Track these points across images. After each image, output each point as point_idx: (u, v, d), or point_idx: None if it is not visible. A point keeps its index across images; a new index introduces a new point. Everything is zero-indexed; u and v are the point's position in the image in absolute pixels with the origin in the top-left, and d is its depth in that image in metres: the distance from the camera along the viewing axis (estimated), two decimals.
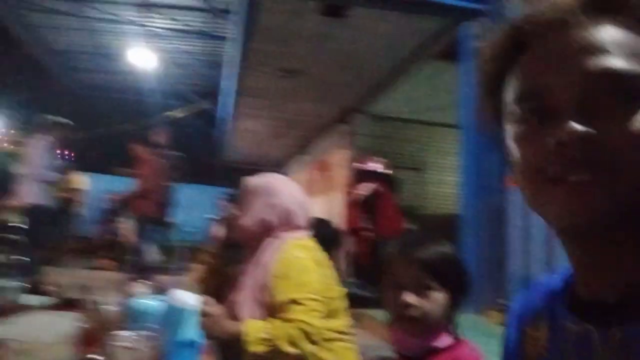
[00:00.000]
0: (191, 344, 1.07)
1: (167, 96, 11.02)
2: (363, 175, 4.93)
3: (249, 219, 1.66)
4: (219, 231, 1.91)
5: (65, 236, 8.09)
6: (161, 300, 1.01)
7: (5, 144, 8.39)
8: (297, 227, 1.69)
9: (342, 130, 7.53)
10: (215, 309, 1.40)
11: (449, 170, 7.29)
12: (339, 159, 7.66)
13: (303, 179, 10.47)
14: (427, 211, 7.22)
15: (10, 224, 4.64)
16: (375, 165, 4.94)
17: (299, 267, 1.54)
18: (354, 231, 4.81)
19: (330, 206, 7.89)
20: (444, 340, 1.19)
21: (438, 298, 1.18)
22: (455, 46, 4.44)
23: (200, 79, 10.91)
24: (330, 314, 1.60)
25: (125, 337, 0.79)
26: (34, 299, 1.50)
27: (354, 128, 7.22)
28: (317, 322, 1.45)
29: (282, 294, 1.50)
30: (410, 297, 1.17)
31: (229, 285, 1.79)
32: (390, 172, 5.06)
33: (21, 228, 4.49)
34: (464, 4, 4.19)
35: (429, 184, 7.46)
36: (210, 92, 10.71)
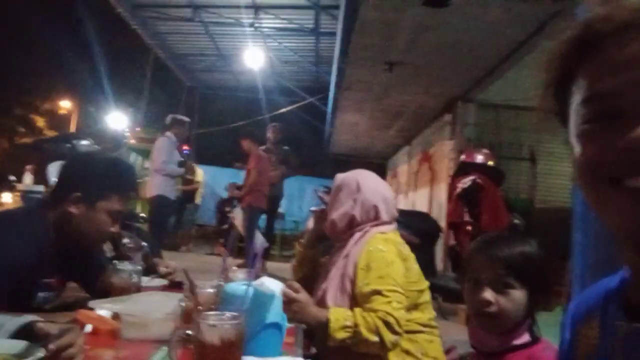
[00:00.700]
0: (276, 326, 1.17)
1: (278, 93, 11.50)
2: (466, 167, 4.79)
3: (335, 213, 1.75)
4: (312, 222, 2.01)
5: (185, 225, 8.82)
6: (250, 286, 1.11)
7: (133, 141, 9.29)
8: (382, 222, 1.73)
9: (447, 121, 7.33)
10: (301, 295, 1.49)
11: (562, 159, 6.80)
12: (443, 150, 7.49)
13: (407, 170, 10.39)
14: (537, 204, 6.82)
15: (135, 213, 5.20)
16: (478, 156, 4.77)
17: (382, 260, 1.59)
18: (454, 224, 4.71)
19: (434, 198, 7.76)
20: (521, 338, 1.18)
21: (517, 297, 1.17)
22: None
23: (307, 75, 11.24)
24: (414, 307, 1.63)
25: (212, 316, 0.90)
26: (149, 281, 1.70)
27: (459, 118, 7.01)
28: (397, 313, 1.49)
29: (366, 285, 1.56)
30: (489, 294, 1.17)
31: (318, 274, 1.89)
32: (493, 163, 4.85)
33: (144, 217, 5.03)
34: None
35: (541, 174, 7.01)
36: (317, 88, 11.01)
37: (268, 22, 8.86)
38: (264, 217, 6.41)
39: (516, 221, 4.81)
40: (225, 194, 9.48)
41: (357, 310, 1.53)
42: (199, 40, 9.84)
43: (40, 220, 1.44)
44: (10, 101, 17.33)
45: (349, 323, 1.47)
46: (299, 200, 10.85)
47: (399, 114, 8.28)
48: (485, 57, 5.47)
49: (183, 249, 8.10)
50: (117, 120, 10.78)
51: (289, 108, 11.22)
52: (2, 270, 1.28)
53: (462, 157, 5.02)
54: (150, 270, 1.77)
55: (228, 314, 0.91)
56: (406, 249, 1.71)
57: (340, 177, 1.83)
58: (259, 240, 6.03)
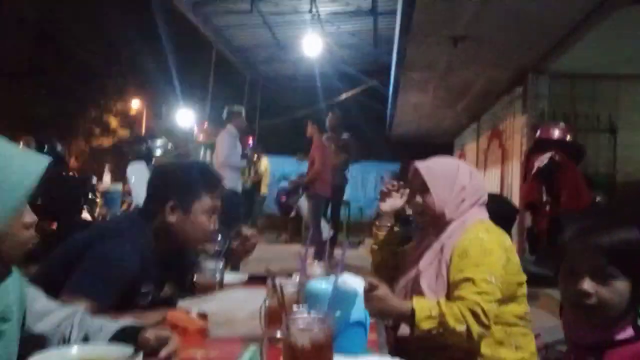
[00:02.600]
0: (360, 324, 1.15)
1: (337, 78, 11.42)
2: (542, 144, 4.53)
3: (436, 201, 1.67)
4: (386, 206, 1.97)
5: (254, 216, 9.02)
6: (333, 283, 1.10)
7: (201, 136, 9.56)
8: (481, 205, 1.69)
9: (518, 94, 6.99)
10: (382, 290, 1.45)
11: None
12: (514, 126, 7.16)
13: (475, 149, 10.04)
14: (619, 178, 6.37)
15: None
16: (555, 132, 4.49)
17: (481, 248, 1.53)
18: (531, 205, 4.48)
19: (506, 177, 7.45)
20: (625, 333, 1.09)
21: (620, 287, 1.08)
22: None
23: (366, 58, 11.07)
24: (510, 299, 1.57)
25: (301, 319, 0.89)
26: (231, 277, 1.74)
27: (531, 90, 6.65)
28: (487, 305, 1.43)
29: (459, 272, 1.52)
30: (588, 285, 1.09)
31: (399, 261, 1.85)
32: (571, 138, 4.55)
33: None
34: None
35: (622, 147, 6.53)
36: (377, 70, 10.82)
37: (325, 6, 8.79)
38: (331, 205, 6.42)
39: (598, 199, 4.52)
40: (290, 184, 9.63)
41: (442, 300, 1.49)
42: (257, 31, 9.92)
43: (143, 232, 1.52)
44: (86, 103, 18.35)
45: (434, 313, 1.43)
46: (363, 186, 10.80)
47: (465, 91, 7.99)
48: (556, 25, 5.14)
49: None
50: (185, 117, 11.15)
51: (349, 93, 11.13)
52: (113, 282, 1.36)
53: (538, 133, 4.76)
54: (232, 266, 1.81)
55: (315, 314, 0.90)
56: (507, 239, 1.64)
57: (431, 164, 1.74)
58: (325, 229, 6.06)
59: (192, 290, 1.51)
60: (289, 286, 1.18)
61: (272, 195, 9.87)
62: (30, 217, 0.93)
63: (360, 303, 1.15)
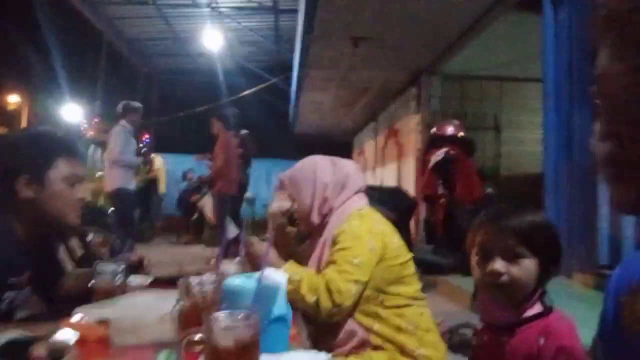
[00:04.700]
0: (282, 319, 1.10)
1: (238, 75, 11.24)
2: (436, 140, 4.78)
3: (302, 207, 1.70)
4: (274, 207, 1.94)
5: (151, 216, 8.58)
6: (252, 279, 1.03)
7: (91, 133, 8.92)
8: (353, 193, 1.71)
9: (413, 94, 7.34)
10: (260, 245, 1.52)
11: (528, 127, 6.93)
12: (409, 124, 7.50)
13: (373, 146, 10.40)
14: (506, 172, 6.95)
15: (100, 208, 4.99)
16: (449, 129, 4.76)
17: (350, 234, 1.57)
18: (428, 197, 4.71)
19: (402, 172, 7.80)
20: (534, 309, 1.15)
21: (529, 265, 1.14)
22: None
23: (267, 55, 11.01)
24: (397, 280, 1.61)
25: (223, 318, 0.82)
26: (132, 279, 1.60)
27: (425, 91, 7.01)
28: (343, 284, 1.47)
29: (329, 257, 1.55)
30: (499, 264, 1.14)
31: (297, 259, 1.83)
32: (464, 134, 4.87)
33: (110, 211, 4.83)
34: None
35: (507, 143, 7.14)
36: (280, 68, 10.80)
37: (225, 1, 8.59)
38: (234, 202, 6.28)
39: (489, 190, 4.86)
40: (183, 185, 9.28)
41: (309, 271, 1.54)
42: (154, 23, 9.47)
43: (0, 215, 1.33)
44: None
45: (297, 277, 1.46)
46: (268, 184, 10.75)
47: (364, 90, 8.23)
48: (448, 28, 5.46)
49: (151, 241, 7.90)
50: (72, 112, 10.31)
51: (250, 90, 11.00)
52: None
53: (433, 130, 5.01)
54: (130, 267, 1.66)
55: (238, 312, 0.83)
56: (383, 224, 1.67)
57: (291, 172, 1.78)
58: (231, 227, 5.92)
59: (84, 294, 1.36)
60: (206, 285, 1.10)
61: (170, 195, 9.47)
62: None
63: (282, 297, 1.10)
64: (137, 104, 5.28)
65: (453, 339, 1.62)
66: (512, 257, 1.14)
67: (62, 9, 8.42)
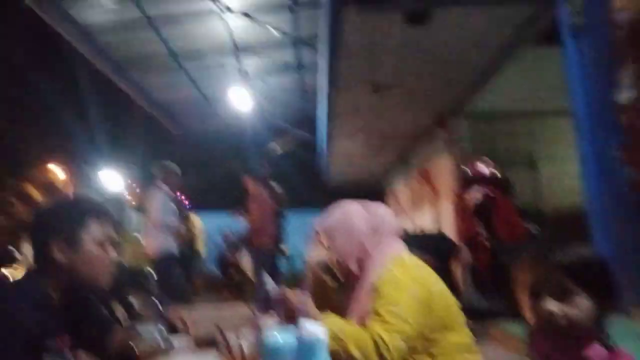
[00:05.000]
0: None
1: (267, 132, 11.49)
2: (472, 181, 4.70)
3: (342, 255, 1.68)
4: (312, 257, 1.91)
5: (192, 277, 8.60)
6: (292, 333, 1.01)
7: (130, 197, 9.14)
8: (390, 240, 1.67)
9: (442, 137, 7.31)
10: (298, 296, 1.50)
11: (566, 161, 6.75)
12: (441, 167, 7.44)
13: (407, 191, 10.31)
14: (547, 208, 6.73)
15: (143, 272, 5.02)
16: (483, 168, 4.69)
17: (392, 283, 1.52)
18: (469, 240, 4.59)
19: (439, 217, 7.66)
20: (596, 351, 1.08)
21: (583, 304, 1.08)
22: (555, 28, 4.15)
23: (294, 111, 11.26)
24: (446, 327, 1.54)
25: None
26: (173, 341, 1.58)
27: (453, 132, 6.98)
28: (390, 338, 1.41)
29: (370, 307, 1.50)
30: (553, 305, 1.08)
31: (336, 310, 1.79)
32: (500, 173, 4.77)
33: (152, 275, 4.84)
34: None
35: (545, 178, 6.94)
36: (306, 121, 11.00)
37: (251, 62, 8.91)
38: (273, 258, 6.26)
39: (533, 228, 4.70)
40: (226, 240, 9.31)
41: (353, 324, 1.48)
42: (183, 88, 9.86)
43: (35, 282, 1.37)
44: (1, 172, 17.11)
45: (340, 335, 1.40)
46: (303, 236, 10.71)
47: (392, 136, 8.27)
48: (471, 67, 5.49)
49: (193, 302, 7.88)
50: (113, 180, 10.64)
51: (279, 144, 11.22)
52: (7, 339, 1.21)
53: (466, 170, 4.94)
54: (171, 329, 1.66)
55: None
56: (424, 271, 1.62)
57: (325, 221, 1.77)
58: (269, 283, 5.85)
59: (129, 357, 1.35)
60: (245, 342, 1.07)
61: (211, 254, 9.51)
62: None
63: (323, 352, 1.06)
64: (172, 165, 5.34)
65: None
66: (564, 296, 1.08)
67: (93, 77, 8.81)
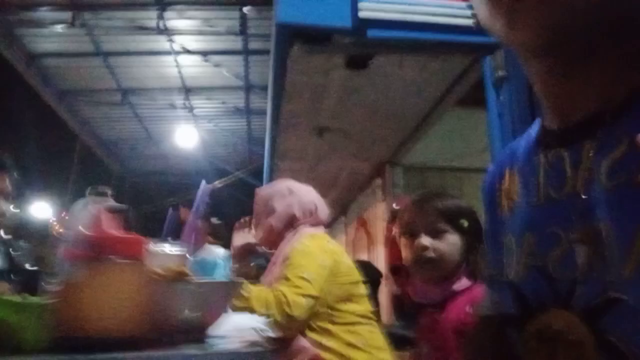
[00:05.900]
0: None
1: (211, 174, 11.50)
2: (397, 212, 4.91)
3: (272, 218, 1.80)
4: (237, 241, 2.03)
5: None
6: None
7: (59, 228, 8.77)
8: (319, 220, 1.81)
9: (378, 185, 7.61)
10: None
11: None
12: (376, 214, 7.69)
13: (345, 240, 10.47)
14: None
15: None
16: (408, 199, 4.93)
17: (302, 252, 1.66)
18: (395, 268, 4.73)
19: (372, 261, 7.82)
20: (461, 283, 1.25)
21: (453, 240, 1.25)
22: (482, 87, 4.48)
23: (240, 155, 11.37)
24: (348, 298, 1.67)
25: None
26: None
27: (388, 181, 7.30)
28: (293, 296, 1.53)
29: (282, 274, 1.61)
30: (425, 240, 1.25)
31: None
32: None
33: None
34: (480, 39, 4.30)
35: None
36: (252, 167, 11.13)
37: (199, 103, 9.07)
38: None
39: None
40: None
41: (260, 286, 1.63)
42: (128, 124, 9.83)
43: None
44: None
45: (244, 293, 1.52)
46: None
47: (333, 182, 8.48)
48: (407, 118, 5.81)
49: None
50: (41, 210, 10.23)
51: (221, 183, 11.25)
52: None
53: (394, 205, 5.17)
54: None
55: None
56: (334, 245, 1.77)
57: (264, 189, 1.92)
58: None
59: None
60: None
61: None
62: None
63: (221, 269, 1.17)
64: (104, 189, 5.29)
65: None
66: (436, 233, 1.26)
67: (32, 107, 8.65)
